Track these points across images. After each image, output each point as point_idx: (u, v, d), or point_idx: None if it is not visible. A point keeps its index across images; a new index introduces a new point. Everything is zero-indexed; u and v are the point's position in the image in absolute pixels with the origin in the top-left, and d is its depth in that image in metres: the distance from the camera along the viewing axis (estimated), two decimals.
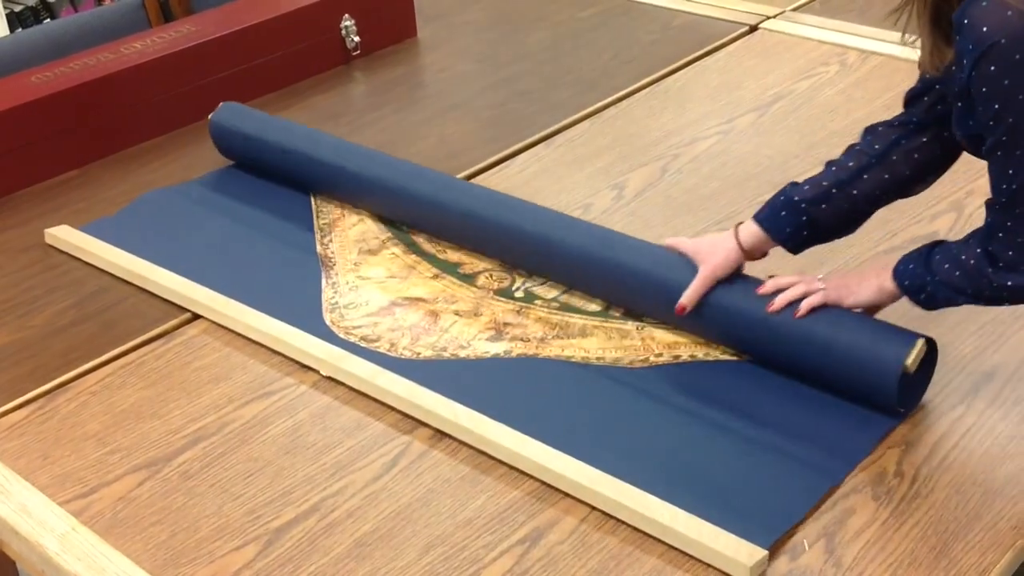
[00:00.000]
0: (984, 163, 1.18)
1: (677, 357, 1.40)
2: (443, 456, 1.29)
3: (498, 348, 1.44)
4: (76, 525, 1.24)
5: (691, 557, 1.14)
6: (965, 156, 1.29)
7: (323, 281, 1.59)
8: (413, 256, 1.63)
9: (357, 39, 2.27)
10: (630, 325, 1.46)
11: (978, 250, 1.19)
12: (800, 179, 1.35)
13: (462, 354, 1.43)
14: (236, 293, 1.56)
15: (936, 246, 1.25)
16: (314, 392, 1.41)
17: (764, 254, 1.38)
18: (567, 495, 1.22)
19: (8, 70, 2.11)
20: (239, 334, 1.51)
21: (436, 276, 1.59)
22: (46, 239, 1.77)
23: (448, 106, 2.10)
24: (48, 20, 3.55)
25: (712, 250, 1.37)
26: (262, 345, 1.48)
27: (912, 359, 1.24)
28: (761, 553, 1.12)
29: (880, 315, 1.31)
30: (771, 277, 1.35)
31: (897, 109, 1.35)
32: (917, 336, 1.26)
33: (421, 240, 1.67)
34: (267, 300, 1.54)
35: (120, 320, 1.57)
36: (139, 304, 1.60)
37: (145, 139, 2.05)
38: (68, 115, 1.96)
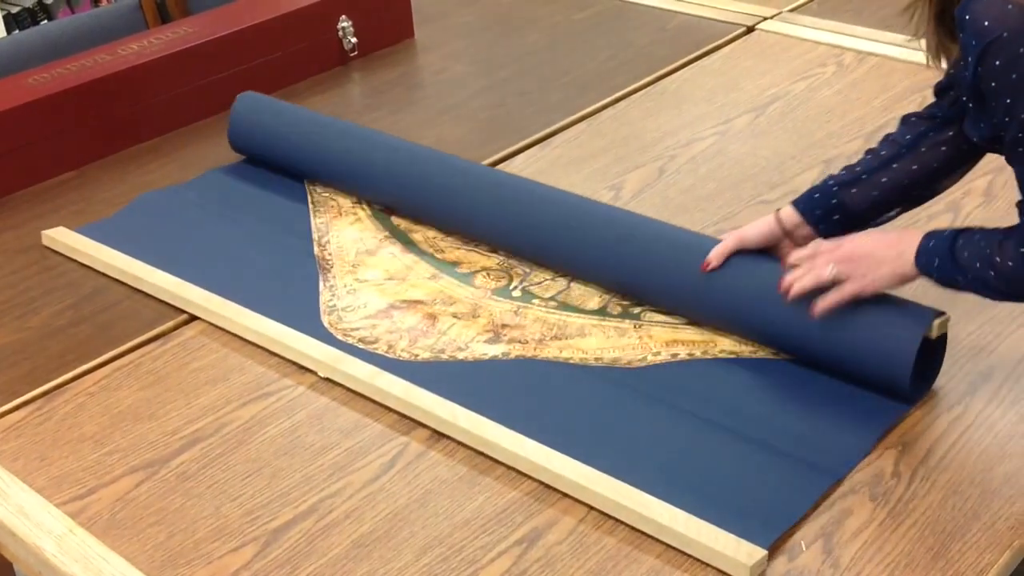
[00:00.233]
0: (981, 164, 1.18)
1: (675, 356, 1.40)
2: (441, 457, 1.29)
3: (496, 350, 1.44)
4: (73, 527, 1.24)
5: (690, 557, 1.14)
6: None
7: (320, 284, 1.59)
8: (411, 256, 1.63)
9: (354, 40, 2.27)
10: (627, 324, 1.46)
11: (1021, 250, 1.15)
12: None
13: (460, 356, 1.43)
14: (233, 296, 1.55)
15: (957, 237, 1.21)
16: (312, 393, 1.40)
17: (805, 238, 1.38)
18: (565, 495, 1.22)
19: (5, 71, 2.11)
20: (236, 335, 1.51)
21: (433, 276, 1.59)
22: (43, 241, 1.76)
23: (445, 107, 2.10)
24: (45, 21, 3.55)
25: (750, 224, 1.40)
26: (259, 346, 1.48)
27: (936, 329, 1.25)
28: (761, 553, 1.12)
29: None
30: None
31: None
32: (940, 311, 1.27)
33: (419, 239, 1.67)
34: (264, 302, 1.54)
35: (117, 322, 1.57)
36: (136, 306, 1.60)
37: (142, 140, 2.05)
38: (65, 116, 1.95)
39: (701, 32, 2.27)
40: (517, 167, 1.86)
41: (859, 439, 1.25)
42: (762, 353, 1.39)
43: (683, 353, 1.40)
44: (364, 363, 1.41)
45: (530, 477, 1.25)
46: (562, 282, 1.55)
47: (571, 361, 1.41)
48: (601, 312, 1.49)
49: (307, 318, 1.51)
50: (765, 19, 2.29)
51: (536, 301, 1.52)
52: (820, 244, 1.32)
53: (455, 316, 1.50)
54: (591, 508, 1.21)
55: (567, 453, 1.25)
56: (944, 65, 1.22)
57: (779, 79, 2.06)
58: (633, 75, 2.12)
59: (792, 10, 2.32)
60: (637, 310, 1.48)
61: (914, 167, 1.33)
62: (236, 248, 1.70)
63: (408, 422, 1.34)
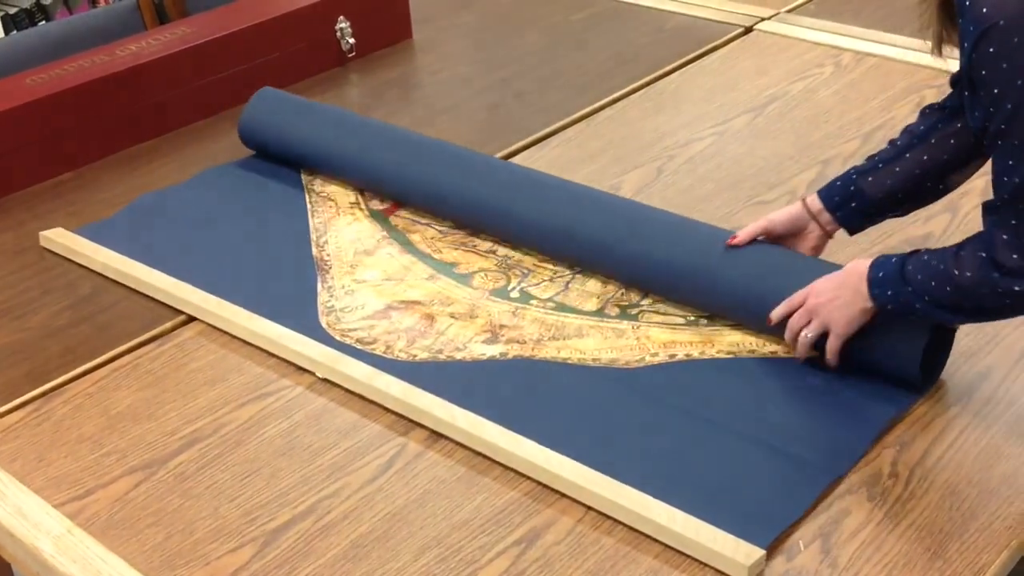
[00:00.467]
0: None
1: (673, 356, 1.40)
2: (439, 457, 1.29)
3: (494, 350, 1.44)
4: (72, 527, 1.24)
5: (688, 557, 1.14)
6: None
7: (319, 285, 1.59)
8: (409, 256, 1.63)
9: (352, 41, 2.27)
10: (625, 325, 1.46)
11: (981, 255, 1.14)
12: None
13: (458, 356, 1.43)
14: (231, 296, 1.56)
15: (905, 263, 1.22)
16: (310, 394, 1.40)
17: (829, 223, 1.41)
18: (563, 496, 1.22)
19: (3, 72, 2.11)
20: (235, 336, 1.51)
21: (431, 277, 1.59)
22: (41, 242, 1.76)
23: (443, 108, 2.10)
24: (43, 22, 3.55)
25: (779, 210, 1.45)
26: (258, 347, 1.48)
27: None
28: (759, 553, 1.12)
29: None
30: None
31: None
32: None
33: (417, 240, 1.67)
34: (262, 303, 1.54)
35: (115, 322, 1.57)
36: (134, 306, 1.60)
37: (140, 141, 2.05)
38: (63, 117, 1.95)
39: (699, 32, 2.27)
40: None
41: (857, 437, 1.25)
42: (759, 353, 1.39)
43: (680, 354, 1.40)
44: (362, 363, 1.41)
45: (528, 477, 1.25)
46: (560, 283, 1.55)
47: (569, 361, 1.41)
48: (599, 313, 1.49)
49: (305, 319, 1.51)
50: (763, 19, 2.29)
51: (534, 302, 1.52)
52: (791, 302, 1.33)
53: (453, 316, 1.50)
54: (589, 508, 1.21)
55: (565, 453, 1.25)
56: (942, 54, 1.23)
57: (777, 79, 2.06)
58: (631, 75, 2.12)
59: (790, 11, 2.32)
60: (635, 311, 1.48)
61: (925, 158, 1.34)
62: (234, 249, 1.70)
63: (406, 422, 1.34)
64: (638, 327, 1.46)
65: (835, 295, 1.29)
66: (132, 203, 1.84)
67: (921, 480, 1.21)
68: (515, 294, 1.54)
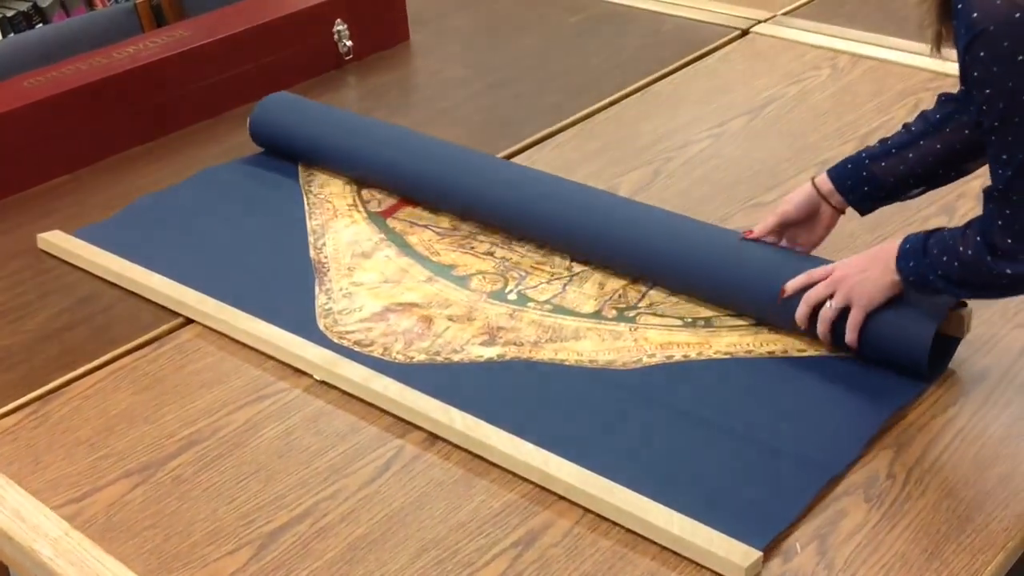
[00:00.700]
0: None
1: (670, 357, 1.40)
2: (436, 459, 1.29)
3: (491, 352, 1.44)
4: (69, 530, 1.24)
5: (685, 559, 1.14)
6: None
7: (316, 287, 1.59)
8: (406, 259, 1.63)
9: (350, 43, 2.27)
10: (623, 327, 1.46)
11: (977, 239, 1.19)
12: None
13: (455, 358, 1.44)
14: (229, 299, 1.56)
15: (929, 235, 1.25)
16: (307, 396, 1.41)
17: (840, 204, 1.41)
18: (561, 498, 1.23)
19: (1, 75, 2.11)
20: (232, 339, 1.51)
21: (429, 279, 1.59)
22: (39, 244, 1.76)
23: (440, 110, 2.10)
24: (41, 25, 3.55)
25: (788, 196, 1.46)
26: (255, 350, 1.48)
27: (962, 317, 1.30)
28: (756, 554, 1.12)
29: None
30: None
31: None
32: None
33: (414, 242, 1.67)
34: (260, 306, 1.54)
35: (113, 325, 1.57)
36: (132, 309, 1.60)
37: (138, 144, 2.05)
38: (61, 120, 1.95)
39: (695, 35, 2.27)
40: None
41: (854, 438, 1.26)
42: (757, 354, 1.39)
43: (678, 355, 1.41)
44: (359, 366, 1.41)
45: (526, 479, 1.25)
46: (557, 285, 1.55)
47: (566, 363, 1.41)
48: (596, 315, 1.49)
49: (303, 321, 1.51)
50: (759, 22, 2.29)
51: (531, 304, 1.52)
52: (811, 274, 1.35)
53: (450, 319, 1.51)
54: (587, 510, 1.21)
55: (563, 455, 1.25)
56: (941, 53, 1.24)
57: (773, 82, 2.06)
58: (628, 78, 2.12)
59: (786, 13, 2.32)
60: (632, 313, 1.48)
61: (938, 146, 1.35)
62: (231, 251, 1.70)
63: (403, 425, 1.34)
64: (635, 329, 1.46)
65: (865, 268, 1.31)
66: (130, 205, 1.84)
67: (918, 482, 1.21)
68: (512, 296, 1.54)
